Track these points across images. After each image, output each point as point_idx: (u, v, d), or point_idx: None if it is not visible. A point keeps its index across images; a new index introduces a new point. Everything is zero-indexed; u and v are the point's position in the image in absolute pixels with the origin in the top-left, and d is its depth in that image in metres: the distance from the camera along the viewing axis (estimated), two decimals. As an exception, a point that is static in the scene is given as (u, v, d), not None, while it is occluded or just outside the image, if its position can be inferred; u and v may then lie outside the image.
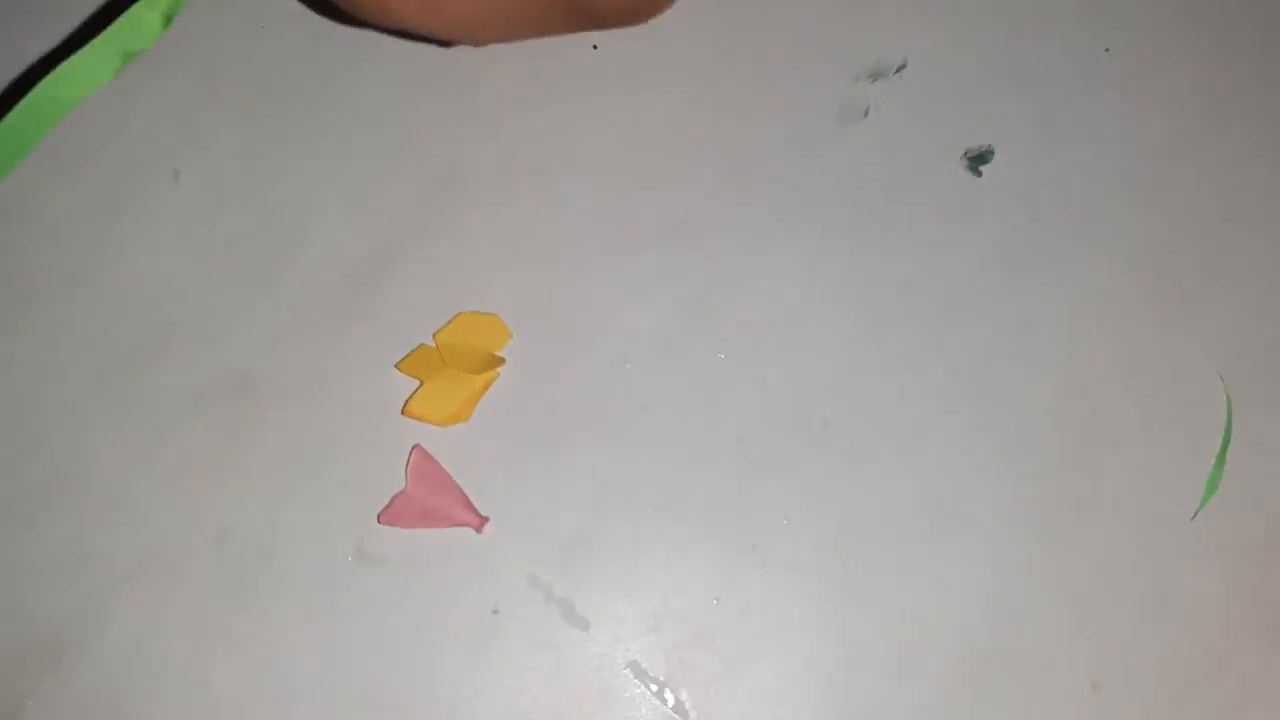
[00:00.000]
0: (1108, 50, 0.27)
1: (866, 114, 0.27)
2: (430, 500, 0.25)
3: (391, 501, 0.25)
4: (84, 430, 0.25)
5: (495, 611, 0.24)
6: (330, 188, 0.26)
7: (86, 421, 0.25)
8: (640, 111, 0.27)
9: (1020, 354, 0.26)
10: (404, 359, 0.25)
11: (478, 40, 0.22)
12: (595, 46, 0.27)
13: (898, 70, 0.27)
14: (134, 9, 0.20)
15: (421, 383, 0.25)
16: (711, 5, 0.27)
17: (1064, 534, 0.25)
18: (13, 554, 0.24)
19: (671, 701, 0.24)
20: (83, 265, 0.26)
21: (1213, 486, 0.25)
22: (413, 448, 0.25)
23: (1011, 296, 0.26)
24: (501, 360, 0.25)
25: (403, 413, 0.25)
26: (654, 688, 0.24)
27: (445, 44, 0.23)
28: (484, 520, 0.25)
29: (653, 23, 0.27)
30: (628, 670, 0.24)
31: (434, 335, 0.26)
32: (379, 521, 0.25)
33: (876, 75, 0.27)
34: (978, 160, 0.27)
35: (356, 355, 0.25)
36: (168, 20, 0.20)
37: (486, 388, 0.25)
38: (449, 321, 0.26)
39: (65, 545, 0.24)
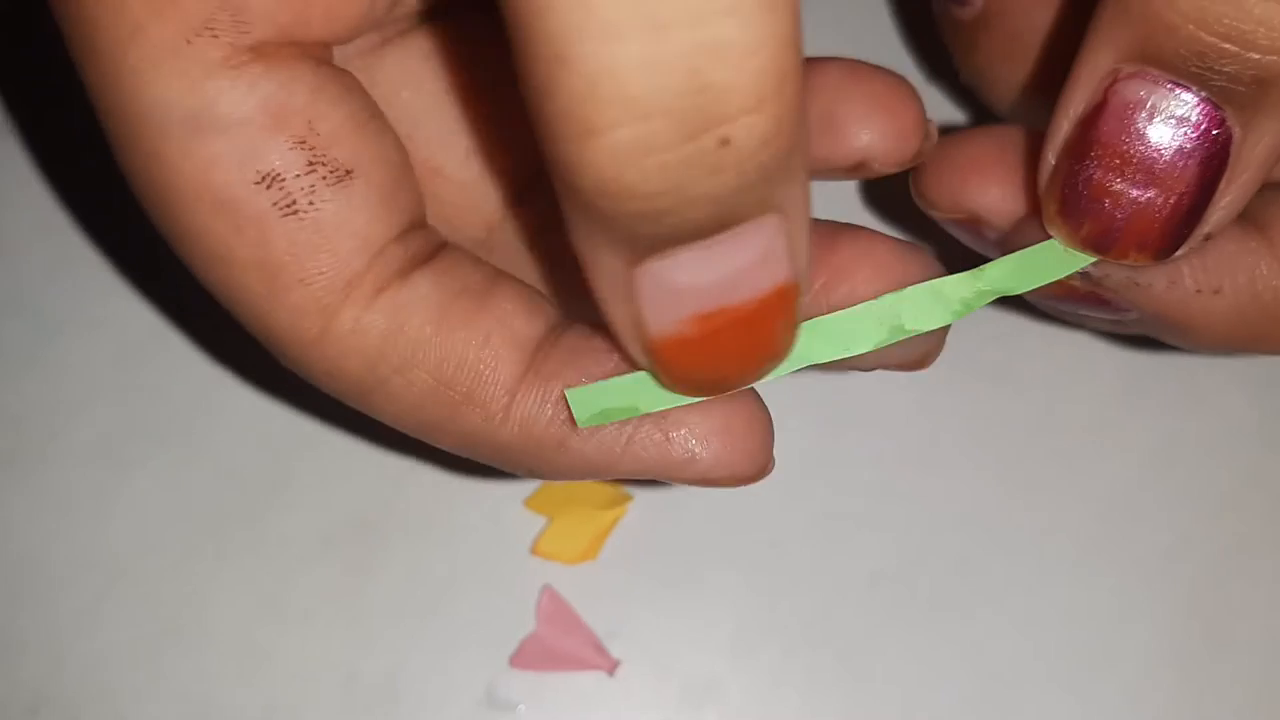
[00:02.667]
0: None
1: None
2: (561, 643, 0.24)
3: (522, 644, 0.24)
4: (208, 573, 0.25)
5: (629, 759, 0.24)
6: (453, 322, 0.26)
7: (211, 564, 0.25)
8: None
9: (1155, 485, 0.25)
10: (532, 495, 0.25)
11: None
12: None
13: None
14: (937, 285, 0.17)
15: (550, 520, 0.25)
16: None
17: (1208, 669, 0.25)
18: (136, 702, 0.24)
19: None
20: (205, 403, 0.25)
21: None
22: (543, 589, 0.24)
23: (1144, 426, 0.26)
24: (629, 497, 0.25)
25: (533, 552, 0.25)
26: (795, 839, 0.24)
27: None
28: (615, 663, 0.24)
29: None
30: (767, 820, 0.24)
31: (560, 471, 0.25)
32: (511, 666, 0.24)
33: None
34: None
35: (485, 493, 0.25)
36: (966, 309, 0.17)
37: (614, 524, 0.25)
38: (574, 456, 0.25)
39: (191, 692, 0.24)
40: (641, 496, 0.25)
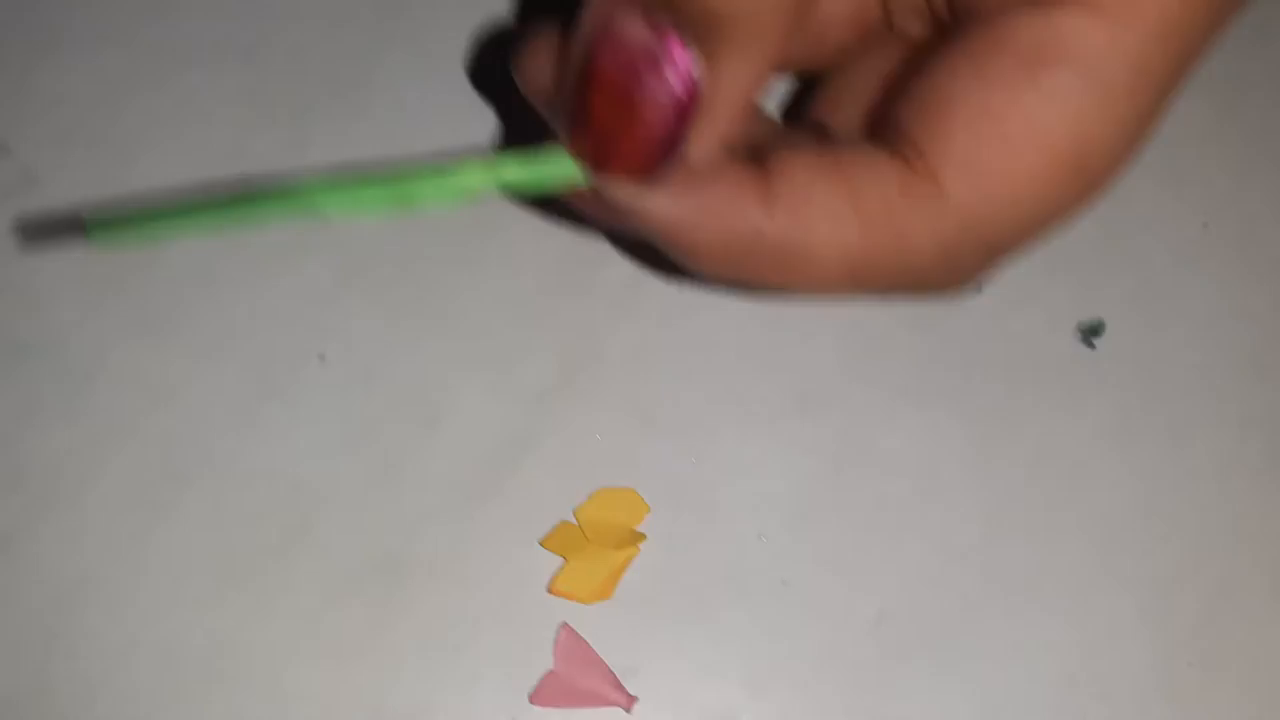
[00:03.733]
0: (1205, 225, 0.29)
1: (980, 289, 0.28)
2: (579, 680, 0.25)
3: (541, 682, 0.25)
4: (236, 616, 0.25)
5: (647, 793, 0.25)
6: (469, 369, 0.27)
7: (238, 607, 0.25)
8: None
9: (1152, 519, 0.26)
10: (547, 536, 0.26)
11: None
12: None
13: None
14: (447, 167, 0.19)
15: (565, 560, 0.26)
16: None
17: (1201, 700, 0.25)
18: (167, 742, 0.24)
19: None
20: (232, 448, 0.26)
21: None
22: (561, 626, 0.25)
23: (1141, 461, 0.27)
24: (642, 536, 0.26)
25: (549, 591, 0.26)
26: None
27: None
28: (632, 700, 0.25)
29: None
30: None
31: (574, 511, 0.26)
32: (531, 703, 0.25)
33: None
34: (1090, 333, 0.28)
35: (500, 534, 0.26)
36: (471, 195, 0.19)
37: (628, 563, 0.26)
38: (588, 498, 0.26)
39: (221, 733, 0.25)
40: (654, 537, 0.26)
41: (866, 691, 0.25)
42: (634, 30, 0.17)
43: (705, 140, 0.18)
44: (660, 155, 0.18)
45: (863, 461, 0.27)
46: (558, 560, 0.26)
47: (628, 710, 0.25)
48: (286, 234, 0.28)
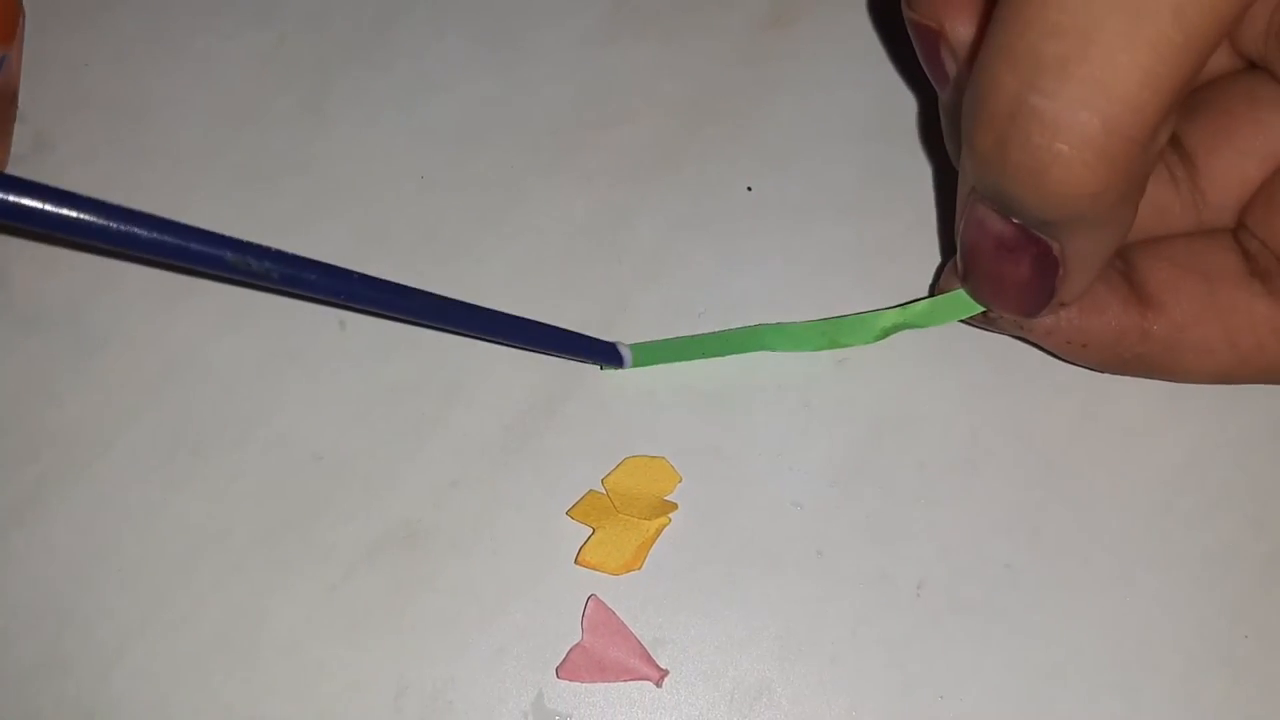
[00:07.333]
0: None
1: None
2: (608, 653, 0.24)
3: (569, 655, 0.24)
4: (255, 588, 0.25)
5: (679, 769, 0.24)
6: (494, 334, 0.26)
7: (257, 578, 0.25)
8: (798, 248, 0.27)
9: (1199, 486, 0.25)
10: (575, 506, 0.25)
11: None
12: (750, 188, 0.27)
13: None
14: (868, 316, 0.24)
15: (594, 530, 0.25)
16: (864, 140, 0.27)
17: (1258, 671, 0.24)
18: (184, 718, 0.24)
19: None
20: (251, 417, 0.26)
21: None
22: (589, 598, 0.24)
23: (1187, 426, 0.26)
24: (673, 505, 0.25)
25: (576, 562, 0.25)
26: None
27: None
28: (663, 673, 0.24)
29: (805, 162, 0.27)
30: (818, 830, 0.23)
31: (603, 481, 0.25)
32: (558, 676, 0.24)
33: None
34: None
35: (526, 503, 0.25)
36: (885, 334, 0.24)
37: (659, 533, 0.25)
38: (617, 466, 0.25)
39: (240, 707, 0.24)
40: (686, 507, 0.25)
41: (904, 663, 0.24)
42: (992, 222, 0.19)
43: (1072, 291, 0.20)
44: (1035, 304, 0.21)
45: (901, 428, 0.26)
46: (586, 531, 0.25)
47: (658, 684, 0.24)
48: (302, 197, 0.27)
